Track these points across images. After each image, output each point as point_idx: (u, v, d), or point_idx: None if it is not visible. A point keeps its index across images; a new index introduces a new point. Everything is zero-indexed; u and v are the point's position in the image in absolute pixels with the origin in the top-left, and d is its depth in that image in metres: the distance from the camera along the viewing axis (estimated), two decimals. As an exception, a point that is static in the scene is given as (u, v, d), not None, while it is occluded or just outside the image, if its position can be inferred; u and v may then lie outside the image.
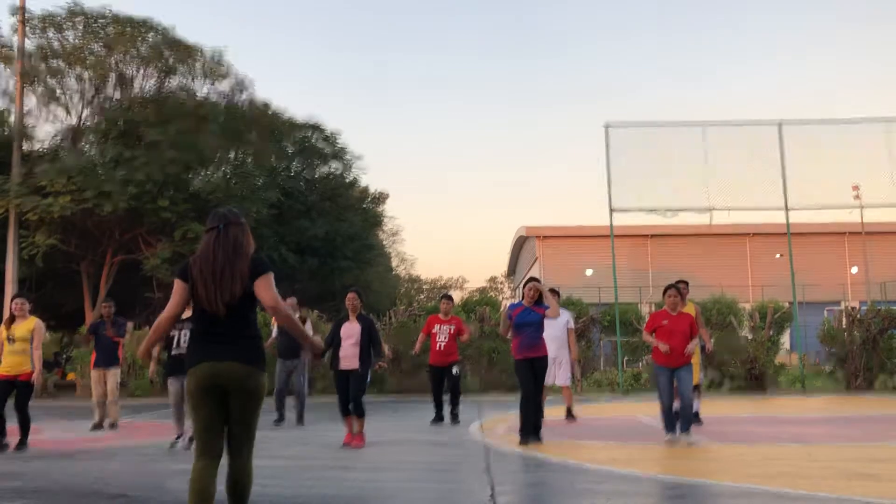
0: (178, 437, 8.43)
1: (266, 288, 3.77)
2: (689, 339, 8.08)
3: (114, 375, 10.68)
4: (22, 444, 8.28)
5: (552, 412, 10.69)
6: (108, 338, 10.71)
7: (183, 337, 8.21)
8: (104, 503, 5.43)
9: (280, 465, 7.11)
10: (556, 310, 8.49)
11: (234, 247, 3.81)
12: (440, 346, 10.71)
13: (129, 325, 17.85)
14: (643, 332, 8.51)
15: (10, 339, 8.21)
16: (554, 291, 11.15)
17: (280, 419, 10.71)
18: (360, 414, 8.14)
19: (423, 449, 8.25)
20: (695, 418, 8.55)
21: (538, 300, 8.45)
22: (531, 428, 8.16)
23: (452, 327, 10.80)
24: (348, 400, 8.19)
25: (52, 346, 20.58)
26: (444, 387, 10.80)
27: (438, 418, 10.65)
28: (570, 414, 10.88)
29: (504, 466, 6.80)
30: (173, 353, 8.29)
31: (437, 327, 10.81)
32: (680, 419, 8.06)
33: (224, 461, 3.77)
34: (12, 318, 8.34)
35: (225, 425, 3.76)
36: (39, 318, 8.60)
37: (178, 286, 3.83)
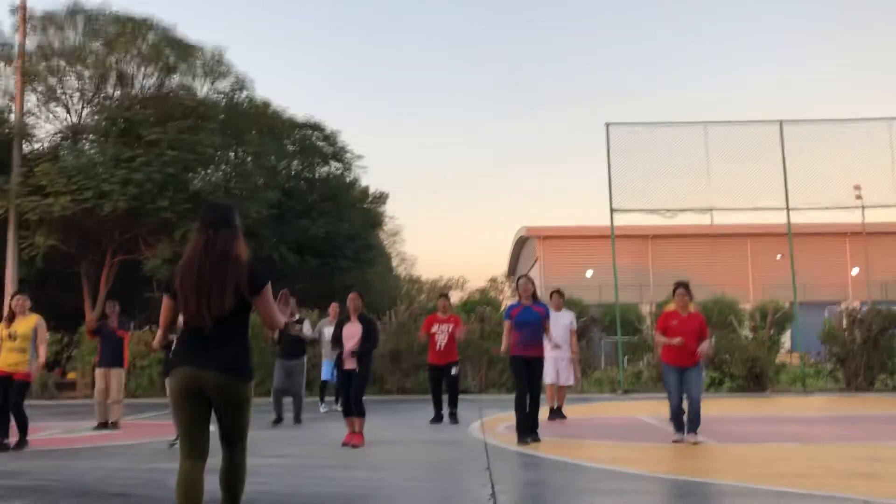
0: (177, 437, 8.42)
1: (266, 305, 3.72)
2: (699, 340, 8.07)
3: (117, 375, 10.64)
4: (21, 442, 8.27)
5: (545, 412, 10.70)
6: (113, 338, 10.69)
7: None
8: (104, 502, 5.42)
9: (280, 463, 7.11)
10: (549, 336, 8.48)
11: (222, 257, 3.65)
12: (440, 346, 10.69)
13: (130, 325, 17.88)
14: (655, 333, 8.49)
15: (11, 336, 8.20)
16: (559, 293, 11.15)
17: (278, 419, 10.69)
18: (361, 413, 8.15)
19: (423, 449, 8.24)
20: (683, 412, 8.50)
21: (535, 297, 8.45)
22: (527, 427, 8.16)
23: (451, 326, 10.78)
24: (350, 399, 8.21)
25: (52, 345, 20.53)
26: (443, 386, 10.80)
27: (437, 418, 10.64)
28: (560, 413, 10.89)
29: (504, 466, 6.79)
30: (172, 353, 8.28)
31: (435, 327, 10.79)
32: (688, 419, 8.06)
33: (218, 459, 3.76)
34: (13, 316, 8.34)
35: (209, 426, 3.72)
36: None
37: (165, 302, 3.79)
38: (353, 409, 8.12)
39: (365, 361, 8.18)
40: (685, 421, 8.13)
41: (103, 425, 10.54)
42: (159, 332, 3.71)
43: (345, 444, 8.17)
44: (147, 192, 18.98)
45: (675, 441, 8.08)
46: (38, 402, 16.60)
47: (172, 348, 8.15)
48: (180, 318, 3.80)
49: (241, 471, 3.77)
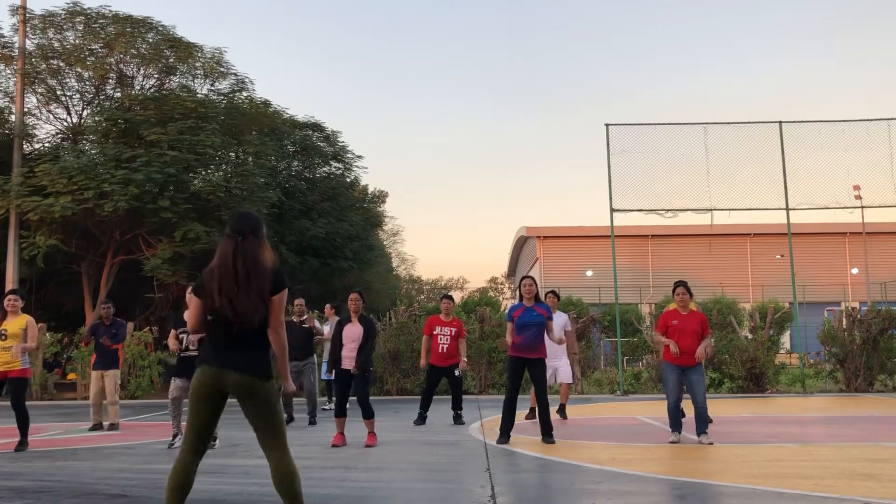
0: (175, 437, 8.43)
1: (277, 306, 3.88)
2: (700, 338, 8.06)
3: (112, 377, 10.66)
4: (22, 443, 8.28)
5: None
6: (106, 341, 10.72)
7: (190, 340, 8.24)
8: (104, 503, 5.43)
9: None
10: (558, 335, 8.49)
11: (251, 263, 3.84)
12: (442, 348, 10.68)
13: (129, 325, 17.89)
14: (655, 333, 8.50)
15: (2, 336, 8.20)
16: (554, 294, 11.18)
17: (289, 419, 10.66)
18: (369, 415, 8.20)
19: (423, 449, 8.24)
20: (683, 416, 8.52)
21: (537, 298, 8.46)
22: (509, 427, 8.25)
23: (454, 329, 10.78)
24: (345, 401, 8.25)
25: (51, 346, 20.53)
26: (437, 388, 10.86)
27: (421, 419, 10.57)
28: (562, 413, 10.88)
29: (504, 466, 6.80)
30: (181, 354, 8.30)
31: (438, 329, 10.79)
32: (696, 421, 8.05)
33: (255, 463, 3.80)
34: (4, 315, 8.34)
35: (216, 426, 3.92)
36: (40, 318, 8.61)
37: (193, 301, 3.91)
38: (361, 412, 8.17)
39: (366, 363, 8.20)
40: (682, 422, 8.13)
41: (98, 426, 10.55)
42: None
43: (334, 446, 8.18)
44: (148, 193, 18.97)
45: (671, 441, 8.08)
46: (37, 403, 16.61)
47: (179, 350, 8.21)
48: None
49: (292, 468, 3.87)
